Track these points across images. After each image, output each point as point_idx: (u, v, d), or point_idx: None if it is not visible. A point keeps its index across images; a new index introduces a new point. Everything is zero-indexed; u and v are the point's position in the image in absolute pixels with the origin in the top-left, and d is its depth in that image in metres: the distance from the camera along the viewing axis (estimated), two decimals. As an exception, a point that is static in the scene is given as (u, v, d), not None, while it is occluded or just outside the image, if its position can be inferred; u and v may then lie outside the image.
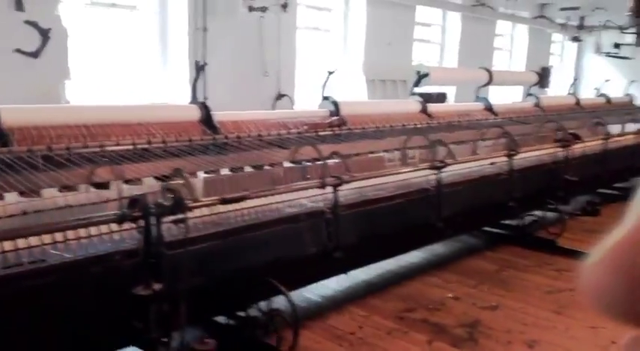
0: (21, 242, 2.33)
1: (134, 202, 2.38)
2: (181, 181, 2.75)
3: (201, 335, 2.64)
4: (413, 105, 5.81)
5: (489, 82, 7.21)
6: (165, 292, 2.40)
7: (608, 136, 6.13)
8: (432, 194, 4.05)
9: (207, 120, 4.00)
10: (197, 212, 2.76)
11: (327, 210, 3.33)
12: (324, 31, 9.58)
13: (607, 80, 8.91)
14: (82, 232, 2.49)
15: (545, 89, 14.14)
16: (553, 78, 14.56)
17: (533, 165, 5.22)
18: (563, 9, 13.11)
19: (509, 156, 4.73)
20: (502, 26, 13.29)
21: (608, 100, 8.88)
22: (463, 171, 4.51)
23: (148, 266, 2.39)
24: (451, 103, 9.94)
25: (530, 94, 7.71)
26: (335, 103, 4.95)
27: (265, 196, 3.13)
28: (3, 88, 3.25)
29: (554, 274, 4.51)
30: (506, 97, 12.39)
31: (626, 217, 0.65)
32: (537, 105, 7.32)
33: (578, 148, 5.55)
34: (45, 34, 5.86)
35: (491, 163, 4.77)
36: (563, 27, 14.01)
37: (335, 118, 4.80)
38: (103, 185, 2.92)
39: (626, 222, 0.65)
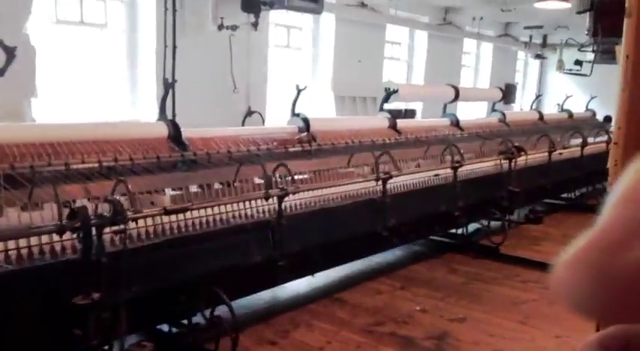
0: None
1: (74, 213, 2.42)
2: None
3: (140, 339, 2.68)
4: (382, 121, 5.89)
5: (456, 99, 7.36)
6: (106, 300, 2.46)
7: (551, 149, 6.45)
8: (378, 204, 4.26)
9: (175, 137, 3.99)
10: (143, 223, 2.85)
11: (273, 220, 3.47)
12: (294, 48, 9.67)
13: (569, 96, 9.16)
14: (23, 243, 2.53)
15: (511, 105, 14.48)
16: (518, 94, 14.92)
17: (478, 176, 5.55)
18: (527, 27, 13.50)
19: (454, 168, 5.01)
20: (468, 44, 13.61)
21: (570, 115, 9.14)
22: (410, 182, 4.74)
23: (87, 276, 2.45)
24: (419, 119, 10.11)
25: (494, 110, 7.88)
26: (305, 120, 4.99)
27: (210, 206, 3.23)
28: (-35, 106, 3.21)
29: (520, 285, 4.60)
30: (473, 112, 12.65)
31: (598, 217, 0.71)
32: (502, 120, 7.49)
33: (521, 160, 5.84)
34: (11, 52, 5.79)
35: (435, 175, 5.02)
36: (527, 45, 14.40)
37: (304, 134, 4.85)
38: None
39: (598, 221, 0.70)
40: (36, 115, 6.16)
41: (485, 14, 11.99)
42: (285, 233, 3.49)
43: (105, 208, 2.63)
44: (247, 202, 3.49)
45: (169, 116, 4.69)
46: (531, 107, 9.57)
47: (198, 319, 3.14)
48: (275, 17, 8.88)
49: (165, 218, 3.01)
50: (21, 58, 5.87)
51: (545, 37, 14.72)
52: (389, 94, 6.52)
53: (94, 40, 7.01)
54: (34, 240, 2.56)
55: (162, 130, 3.99)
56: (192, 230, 3.15)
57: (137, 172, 3.46)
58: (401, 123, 6.05)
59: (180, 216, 3.07)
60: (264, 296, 4.17)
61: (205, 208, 3.21)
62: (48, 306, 2.51)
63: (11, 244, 2.50)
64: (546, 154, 6.38)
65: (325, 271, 4.72)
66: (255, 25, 7.51)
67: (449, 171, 5.05)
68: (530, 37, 14.33)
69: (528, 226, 6.40)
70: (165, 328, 3.22)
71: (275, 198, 3.46)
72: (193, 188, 3.67)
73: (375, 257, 5.17)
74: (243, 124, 7.99)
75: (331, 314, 3.91)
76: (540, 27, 13.37)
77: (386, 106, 6.52)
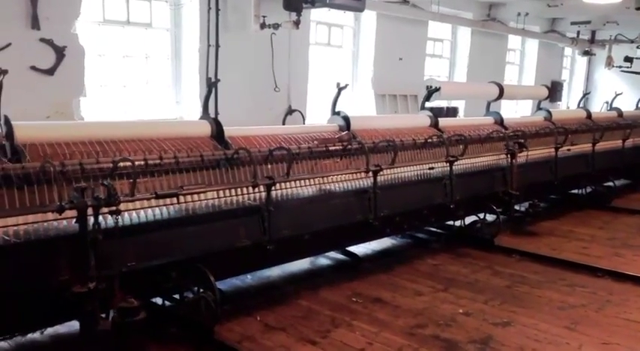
0: None
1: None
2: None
3: (126, 295, 2.89)
4: (423, 119, 5.81)
5: (500, 97, 7.19)
6: (103, 275, 2.83)
7: (557, 145, 6.52)
8: (369, 195, 4.50)
9: (218, 135, 4.04)
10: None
11: (262, 206, 3.74)
12: (335, 46, 9.65)
13: (618, 94, 8.83)
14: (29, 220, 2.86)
15: (557, 103, 14.10)
16: (564, 92, 14.52)
17: (478, 170, 5.71)
18: (574, 23, 13.11)
19: (449, 162, 5.18)
20: (513, 40, 13.31)
21: (620, 114, 8.82)
22: (405, 175, 4.94)
23: (84, 250, 2.79)
24: (462, 118, 9.95)
25: (540, 108, 7.68)
26: (345, 118, 4.97)
27: (198, 193, 3.49)
28: (18, 104, 3.32)
29: (566, 289, 4.47)
30: (516, 111, 12.38)
31: None
32: (548, 119, 7.29)
33: (523, 156, 5.91)
34: (60, 51, 5.96)
35: (430, 168, 5.13)
36: (574, 41, 13.99)
37: (344, 132, 4.82)
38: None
39: None
40: (84, 114, 6.32)
41: (531, 9, 11.68)
42: (276, 219, 3.79)
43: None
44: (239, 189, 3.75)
45: (212, 115, 4.73)
46: (578, 105, 9.27)
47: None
48: (316, 15, 8.87)
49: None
50: (70, 58, 6.05)
51: (593, 33, 14.29)
52: (431, 92, 6.42)
53: (140, 40, 7.14)
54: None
55: (206, 129, 4.04)
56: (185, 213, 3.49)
57: (181, 169, 3.51)
58: (443, 121, 5.96)
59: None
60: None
61: (196, 193, 3.48)
62: (50, 275, 2.87)
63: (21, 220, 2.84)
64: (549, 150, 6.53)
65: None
66: (296, 23, 7.51)
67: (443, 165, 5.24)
68: (578, 33, 13.91)
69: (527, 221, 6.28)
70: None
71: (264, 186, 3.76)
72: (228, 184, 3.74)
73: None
74: (283, 123, 8.02)
75: (372, 315, 3.88)
76: (588, 22, 12.96)
77: (427, 104, 6.43)
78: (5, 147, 3.08)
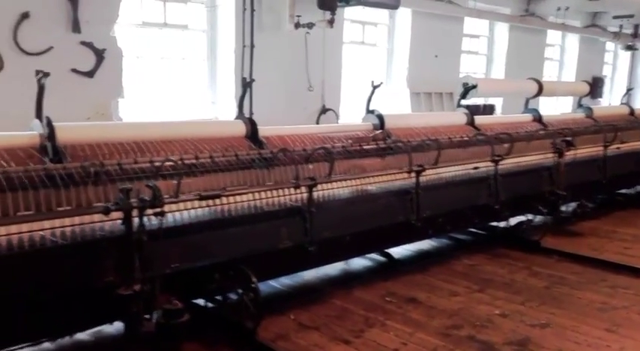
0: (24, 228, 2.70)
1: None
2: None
3: (170, 297, 2.91)
4: (459, 117, 5.73)
5: (539, 93, 7.03)
6: (147, 276, 2.82)
7: (606, 143, 6.28)
8: (412, 195, 4.41)
9: (253, 135, 4.07)
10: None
11: (304, 207, 3.71)
12: (369, 45, 9.61)
13: (664, 89, 8.54)
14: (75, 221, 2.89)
15: (599, 99, 13.73)
16: (606, 88, 14.13)
17: (523, 170, 5.48)
18: (616, 17, 12.74)
19: (494, 161, 5.02)
20: (552, 36, 13.01)
21: (666, 110, 8.51)
22: (448, 175, 4.81)
23: (128, 251, 2.79)
24: (499, 115, 9.78)
25: (580, 105, 7.48)
26: (379, 117, 4.94)
27: (241, 194, 3.48)
28: (59, 106, 3.40)
29: (607, 290, 4.35)
30: (555, 108, 12.10)
31: None
32: (589, 116, 7.10)
33: (570, 155, 5.70)
34: (100, 54, 6.12)
35: (474, 168, 4.97)
36: (617, 35, 13.59)
37: (379, 131, 4.80)
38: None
39: None
40: (123, 115, 6.47)
41: (571, 4, 11.41)
42: (316, 220, 3.73)
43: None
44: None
45: (247, 114, 4.78)
46: (621, 102, 9.00)
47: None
48: (350, 14, 8.85)
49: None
50: (109, 60, 6.20)
51: (636, 27, 13.84)
52: (467, 90, 6.32)
53: (176, 42, 7.26)
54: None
55: (241, 129, 4.07)
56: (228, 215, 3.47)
57: (217, 169, 3.55)
58: (479, 119, 5.87)
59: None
60: (338, 294, 4.17)
61: (239, 194, 3.47)
62: (96, 277, 2.88)
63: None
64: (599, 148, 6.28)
65: (399, 271, 4.69)
66: (330, 22, 7.52)
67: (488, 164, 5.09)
68: (621, 27, 13.50)
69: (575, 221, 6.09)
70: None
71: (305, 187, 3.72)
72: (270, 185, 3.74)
73: (451, 257, 5.07)
74: (317, 122, 8.04)
75: (406, 315, 3.85)
76: (631, 16, 12.58)
77: (463, 102, 6.33)
78: (47, 148, 3.17)
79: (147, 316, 2.89)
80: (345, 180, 4.11)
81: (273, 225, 3.67)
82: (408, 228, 4.44)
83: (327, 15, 7.47)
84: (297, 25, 7.41)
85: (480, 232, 5.62)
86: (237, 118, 4.26)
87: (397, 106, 9.31)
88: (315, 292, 4.24)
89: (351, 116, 8.08)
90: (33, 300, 2.75)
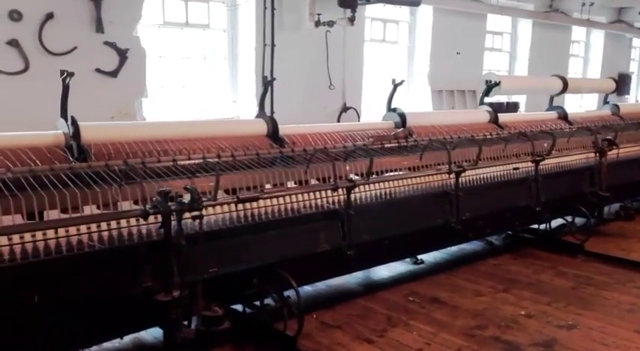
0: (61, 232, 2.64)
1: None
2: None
3: (210, 304, 2.81)
4: (482, 115, 5.66)
5: (564, 90, 6.91)
6: (186, 281, 2.72)
7: None
8: (451, 197, 4.23)
9: (274, 133, 4.06)
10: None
11: (342, 210, 3.59)
12: (390, 42, 9.56)
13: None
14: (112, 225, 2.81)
15: (625, 96, 13.49)
16: (633, 85, 13.86)
17: (564, 170, 5.27)
18: (642, 12, 12.49)
19: (535, 162, 4.82)
20: (577, 32, 12.80)
21: (694, 107, 8.33)
22: (486, 175, 4.60)
23: (167, 256, 2.70)
24: (523, 113, 9.65)
25: (607, 102, 7.34)
26: (401, 115, 4.90)
27: (278, 196, 3.38)
28: (83, 106, 3.44)
29: (636, 291, 4.25)
30: (580, 105, 11.91)
31: None
32: (615, 113, 6.96)
33: (613, 155, 5.46)
34: (123, 54, 6.18)
35: (515, 169, 4.80)
36: (644, 31, 13.32)
37: (400, 129, 4.76)
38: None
39: None
40: (146, 114, 6.53)
41: (596, -1, 11.22)
42: (354, 223, 3.60)
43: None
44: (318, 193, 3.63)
45: (268, 113, 4.78)
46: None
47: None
48: (371, 11, 8.82)
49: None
50: (132, 60, 6.26)
51: (664, 22, 13.55)
52: (490, 87, 6.24)
53: (198, 41, 7.31)
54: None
55: (262, 128, 4.07)
56: (265, 218, 3.35)
57: (238, 168, 3.54)
58: (503, 117, 5.79)
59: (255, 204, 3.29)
60: (360, 293, 4.15)
61: (276, 197, 3.38)
62: (134, 282, 2.80)
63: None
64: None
65: (422, 270, 4.65)
66: (351, 20, 7.49)
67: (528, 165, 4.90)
68: (648, 22, 13.24)
69: (618, 224, 5.96)
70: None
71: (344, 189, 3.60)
72: (291, 184, 3.71)
73: (475, 257, 5.01)
74: (338, 120, 8.02)
75: (429, 315, 3.80)
76: (658, 11, 12.32)
77: (487, 99, 6.26)
78: (72, 147, 3.20)
79: (185, 322, 2.80)
80: (384, 181, 3.94)
81: (311, 228, 3.53)
82: (447, 231, 4.27)
83: (348, 13, 7.46)
84: (318, 24, 7.40)
85: (521, 235, 5.36)
86: (257, 116, 4.26)
87: (419, 104, 9.25)
88: (337, 290, 4.22)
89: (372, 114, 8.04)
90: (70, 306, 2.68)
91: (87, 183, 2.88)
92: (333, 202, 3.66)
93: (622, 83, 12.49)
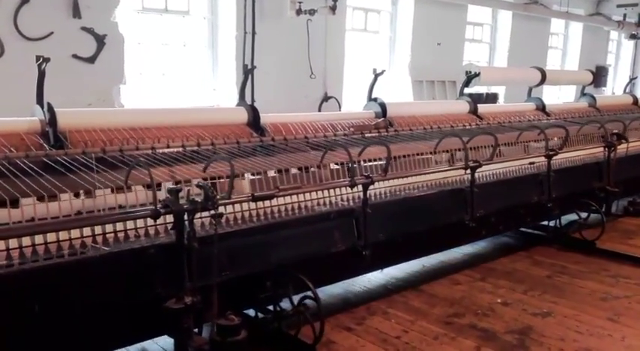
0: (62, 235, 2.47)
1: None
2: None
3: (226, 312, 2.60)
4: (462, 106, 5.69)
5: (542, 82, 6.98)
6: (197, 285, 2.52)
7: None
8: (465, 194, 4.08)
9: (254, 122, 4.04)
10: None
11: (357, 208, 3.39)
12: (372, 32, 9.55)
13: (668, 79, 8.49)
14: (119, 226, 2.63)
15: (602, 89, 13.68)
16: (609, 77, 14.06)
17: (574, 166, 5.17)
18: (620, 5, 12.65)
19: (548, 156, 4.67)
20: (556, 24, 12.93)
21: (669, 100, 8.47)
22: (499, 171, 4.49)
23: (180, 260, 2.50)
24: (502, 104, 9.74)
25: (584, 94, 7.44)
26: (382, 105, 4.91)
27: (295, 194, 3.18)
28: (60, 92, 3.38)
29: (609, 280, 4.35)
30: (558, 97, 12.05)
31: None
32: (592, 105, 7.06)
33: (622, 149, 5.35)
34: (100, 40, 6.08)
35: (530, 163, 4.71)
36: (621, 24, 13.49)
37: (381, 119, 4.77)
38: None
39: None
40: (124, 101, 6.44)
41: (575, -8, 11.33)
42: (370, 222, 3.40)
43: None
44: (331, 190, 3.44)
45: (248, 102, 4.75)
46: (624, 91, 8.96)
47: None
48: (352, 1, 8.79)
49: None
50: (110, 46, 6.16)
51: (640, 16, 13.74)
52: (470, 78, 6.28)
53: (177, 28, 7.22)
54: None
55: (242, 116, 4.05)
56: (277, 217, 3.16)
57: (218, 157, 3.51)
58: (482, 108, 5.84)
59: (266, 202, 3.10)
60: (341, 283, 4.17)
61: (291, 195, 3.16)
62: (142, 287, 2.60)
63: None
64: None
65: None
66: (332, 9, 7.47)
67: (541, 159, 4.73)
68: (624, 15, 13.40)
69: (624, 219, 5.97)
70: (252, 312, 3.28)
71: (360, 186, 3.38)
72: (271, 173, 3.70)
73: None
74: (319, 110, 8.01)
75: (408, 303, 3.85)
76: (635, 5, 12.49)
77: (466, 90, 6.29)
78: (49, 134, 3.15)
79: (195, 330, 2.61)
80: (402, 177, 3.76)
81: (326, 227, 3.33)
82: (461, 229, 4.12)
83: (329, 2, 7.44)
84: (299, 12, 7.36)
85: (532, 232, 5.30)
86: (238, 105, 4.23)
87: (399, 94, 9.28)
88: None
89: (353, 104, 8.05)
90: (73, 315, 2.48)
91: (63, 170, 2.82)
92: (347, 200, 3.49)
93: (599, 75, 12.67)
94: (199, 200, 2.50)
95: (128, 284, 2.59)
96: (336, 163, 3.84)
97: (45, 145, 3.07)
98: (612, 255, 4.86)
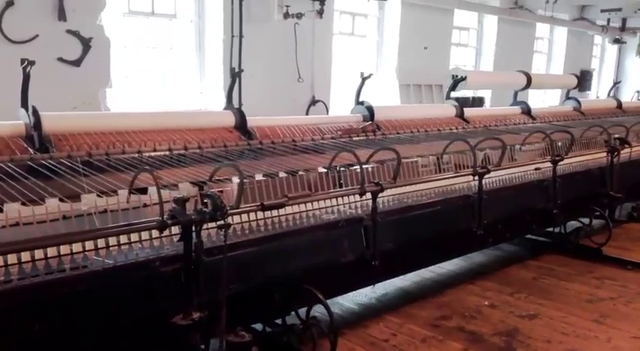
0: (63, 248, 2.33)
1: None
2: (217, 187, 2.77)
3: (236, 327, 2.52)
4: (449, 110, 5.73)
5: (528, 86, 7.05)
6: (205, 299, 2.40)
7: None
8: (473, 201, 3.94)
9: (242, 126, 4.03)
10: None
11: (366, 217, 3.26)
12: (359, 36, 9.58)
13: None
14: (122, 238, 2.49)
15: (587, 92, 13.83)
16: (594, 81, 14.23)
17: (578, 171, 5.05)
18: (604, 10, 12.82)
19: (554, 162, 4.57)
20: (541, 29, 13.07)
21: (652, 104, 8.60)
22: (505, 177, 4.36)
23: (188, 274, 2.39)
24: (488, 108, 9.81)
25: (569, 98, 7.52)
26: (369, 108, 4.92)
27: (304, 202, 3.06)
28: (45, 95, 3.35)
29: (595, 282, 4.39)
30: (543, 100, 12.17)
31: None
32: (577, 109, 7.14)
33: (625, 154, 5.22)
34: (86, 43, 6.04)
35: (536, 169, 4.61)
36: (605, 29, 13.67)
37: (368, 123, 4.78)
38: (141, 190, 2.96)
39: None
40: (110, 105, 6.40)
41: (560, -3, 11.47)
42: (379, 231, 3.28)
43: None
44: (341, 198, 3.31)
45: (236, 105, 4.74)
46: (608, 95, 9.07)
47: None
48: (340, 4, 8.82)
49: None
50: (96, 49, 6.12)
51: (624, 21, 13.96)
52: (456, 82, 6.32)
53: (164, 31, 7.19)
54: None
55: (230, 119, 4.04)
56: (285, 226, 3.04)
57: (205, 160, 3.51)
58: (469, 112, 5.87)
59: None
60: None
61: (302, 203, 3.05)
62: (147, 303, 2.48)
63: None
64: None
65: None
66: (320, 12, 7.49)
67: (547, 165, 4.63)
68: (608, 20, 13.60)
69: (628, 225, 5.87)
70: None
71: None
72: (259, 177, 3.68)
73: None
74: (307, 113, 8.02)
75: (396, 306, 3.85)
76: (619, 10, 12.66)
77: (453, 94, 6.34)
78: (33, 137, 3.12)
79: (202, 346, 2.48)
80: (412, 184, 3.65)
81: (335, 236, 3.19)
82: (468, 237, 4.01)
83: (317, 5, 7.44)
84: (286, 16, 7.37)
85: (539, 239, 5.18)
86: (225, 108, 4.22)
87: (386, 97, 9.31)
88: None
89: (340, 108, 8.06)
90: (75, 331, 2.33)
91: (48, 175, 2.79)
92: (355, 208, 3.37)
93: (583, 79, 12.82)
94: (208, 210, 2.36)
95: (132, 299, 2.44)
96: (324, 167, 3.85)
97: (30, 149, 3.04)
98: (594, 256, 4.85)
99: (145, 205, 2.84)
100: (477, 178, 3.91)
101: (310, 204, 3.16)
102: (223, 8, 7.16)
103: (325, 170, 3.68)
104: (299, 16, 7.42)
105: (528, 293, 4.12)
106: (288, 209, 3.04)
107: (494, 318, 3.70)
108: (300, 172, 3.67)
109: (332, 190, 3.33)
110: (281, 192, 3.15)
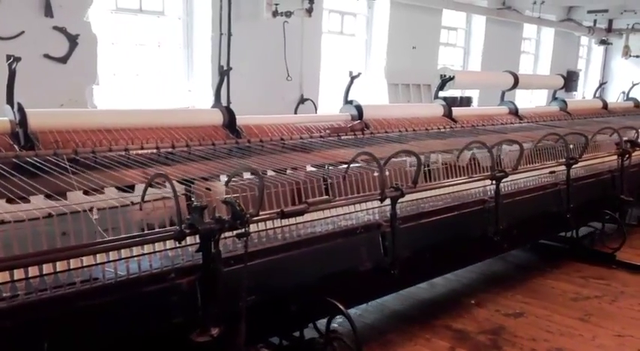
0: (73, 261, 2.21)
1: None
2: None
3: (258, 345, 2.45)
4: (437, 109, 5.75)
5: (515, 86, 7.09)
6: (222, 312, 2.28)
7: None
8: (490, 206, 3.79)
9: (230, 124, 4.02)
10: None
11: (384, 223, 3.14)
12: (348, 35, 9.59)
13: (635, 83, 8.69)
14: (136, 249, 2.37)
15: (573, 93, 13.96)
16: (580, 82, 14.36)
17: (590, 174, 4.97)
18: (591, 11, 12.94)
19: (568, 165, 4.45)
20: (528, 29, 13.16)
21: (637, 105, 8.68)
22: (520, 181, 4.28)
23: (207, 287, 2.27)
24: (476, 107, 9.87)
25: (555, 98, 7.58)
26: (358, 107, 4.93)
27: (324, 209, 2.88)
28: (31, 92, 3.32)
29: (580, 281, 4.44)
30: (530, 100, 12.26)
31: None
32: (563, 109, 7.19)
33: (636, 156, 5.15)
34: (73, 39, 5.98)
35: (551, 173, 4.53)
36: (591, 30, 13.80)
37: (357, 122, 4.79)
38: (127, 188, 2.94)
39: None
40: (97, 102, 6.35)
41: (547, -2, 11.55)
42: (398, 238, 3.14)
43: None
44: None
45: (224, 103, 4.73)
46: (594, 95, 9.15)
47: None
48: (329, 3, 8.82)
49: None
50: (83, 46, 6.07)
51: (610, 22, 14.11)
52: (444, 82, 6.34)
53: (152, 28, 7.15)
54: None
55: (218, 118, 4.02)
56: (300, 234, 2.91)
57: (193, 158, 3.49)
58: (457, 111, 5.90)
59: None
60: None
61: (324, 209, 2.89)
62: (162, 316, 2.36)
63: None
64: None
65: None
66: (309, 11, 7.48)
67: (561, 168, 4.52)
68: (595, 21, 13.73)
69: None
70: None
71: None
72: (247, 175, 3.67)
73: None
74: (295, 112, 8.01)
75: (384, 305, 3.87)
76: (605, 11, 12.79)
77: (441, 93, 6.36)
78: (19, 134, 3.08)
79: None
80: (435, 188, 3.54)
81: (353, 244, 3.05)
82: (484, 242, 3.85)
83: (306, 4, 7.44)
84: (275, 14, 7.36)
85: (552, 244, 5.12)
86: (214, 106, 4.21)
87: (375, 97, 9.33)
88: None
89: (329, 106, 8.07)
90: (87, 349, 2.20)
91: (33, 172, 2.76)
92: (372, 214, 3.23)
93: (570, 80, 12.93)
94: (227, 218, 2.23)
95: (147, 314, 2.31)
96: (314, 166, 3.85)
97: (15, 146, 3.01)
98: (631, 267, 4.73)
99: (133, 204, 2.83)
100: (494, 182, 3.77)
101: (329, 210, 3.01)
102: (212, 6, 7.13)
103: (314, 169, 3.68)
104: (288, 14, 7.41)
105: (514, 292, 4.16)
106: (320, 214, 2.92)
107: (481, 316, 3.73)
108: (289, 171, 3.68)
109: (352, 196, 3.10)
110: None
